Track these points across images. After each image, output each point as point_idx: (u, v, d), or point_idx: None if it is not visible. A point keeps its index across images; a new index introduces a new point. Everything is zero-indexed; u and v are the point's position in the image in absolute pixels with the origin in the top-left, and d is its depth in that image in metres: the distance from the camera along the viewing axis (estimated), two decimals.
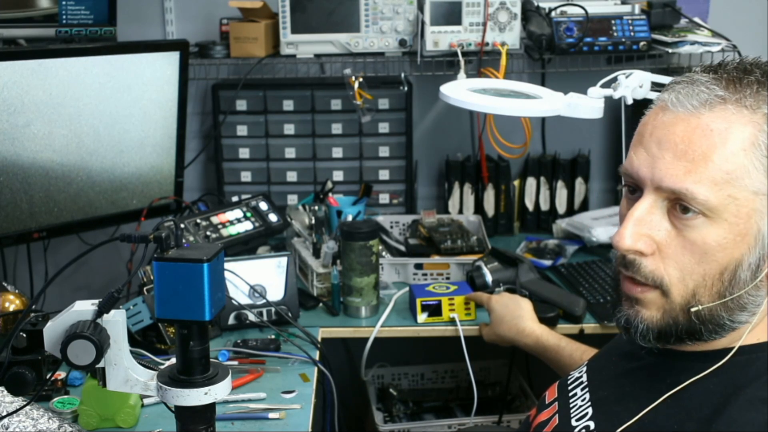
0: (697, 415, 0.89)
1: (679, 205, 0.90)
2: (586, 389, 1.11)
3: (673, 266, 0.92)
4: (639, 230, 0.93)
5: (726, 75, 0.91)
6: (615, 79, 1.69)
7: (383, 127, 2.40)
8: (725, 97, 0.89)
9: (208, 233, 2.07)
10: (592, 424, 1.02)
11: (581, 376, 1.15)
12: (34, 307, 1.61)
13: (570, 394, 1.13)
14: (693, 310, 0.92)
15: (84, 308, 1.07)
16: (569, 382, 1.17)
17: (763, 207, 0.87)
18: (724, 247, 0.89)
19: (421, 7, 2.18)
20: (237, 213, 2.16)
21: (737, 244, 0.89)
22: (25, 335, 1.33)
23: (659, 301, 0.94)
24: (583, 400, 1.09)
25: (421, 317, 1.89)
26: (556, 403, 1.15)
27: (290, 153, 2.42)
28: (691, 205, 0.89)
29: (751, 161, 0.87)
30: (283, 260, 1.86)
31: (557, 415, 1.12)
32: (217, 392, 1.05)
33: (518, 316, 1.74)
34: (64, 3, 2.11)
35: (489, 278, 1.95)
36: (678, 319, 0.93)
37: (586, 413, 1.05)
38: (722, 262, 0.90)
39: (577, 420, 1.06)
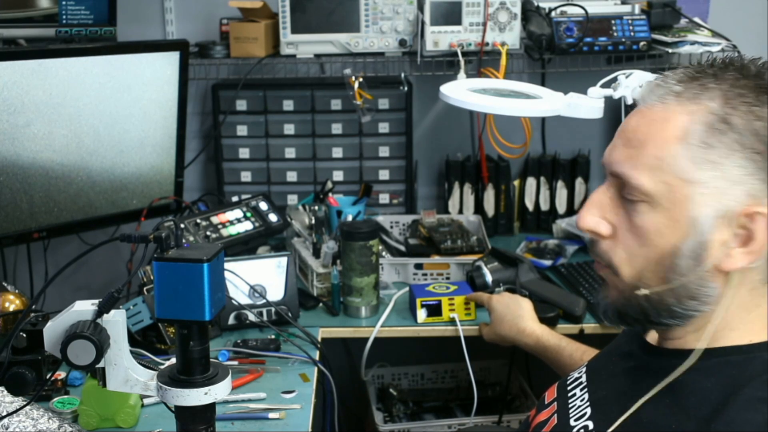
0: (696, 414, 0.89)
1: (625, 190, 0.95)
2: (585, 389, 1.11)
3: (622, 248, 0.97)
4: (596, 212, 0.99)
5: (693, 70, 0.96)
6: (615, 79, 1.69)
7: (383, 127, 2.40)
8: (678, 91, 0.94)
9: (208, 233, 2.07)
10: (590, 424, 1.02)
11: (580, 377, 1.15)
12: (34, 307, 1.61)
13: (569, 395, 1.13)
14: (640, 293, 0.96)
15: (84, 308, 1.07)
16: (568, 382, 1.17)
17: (696, 195, 0.90)
18: (662, 233, 0.93)
19: (421, 7, 2.18)
20: (237, 213, 2.16)
21: (673, 230, 0.92)
22: (25, 335, 1.33)
23: (614, 280, 1.00)
24: (582, 400, 1.09)
25: (421, 317, 1.89)
26: (555, 403, 1.15)
27: (290, 153, 2.42)
28: (631, 190, 0.94)
29: (683, 150, 0.91)
30: (283, 260, 1.86)
31: (556, 415, 1.12)
32: (217, 392, 1.05)
33: (519, 315, 1.75)
34: (64, 3, 2.11)
35: (489, 278, 1.95)
36: (631, 301, 0.97)
37: (585, 413, 1.05)
38: (661, 247, 0.93)
39: (575, 420, 1.06)
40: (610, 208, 0.98)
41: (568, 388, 1.15)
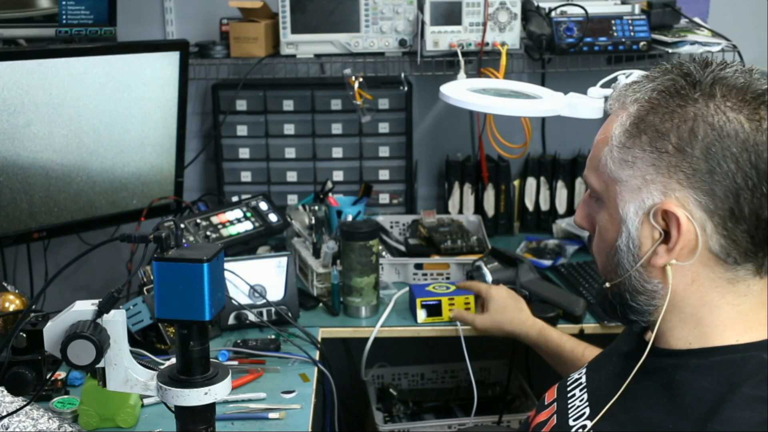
0: (693, 414, 0.89)
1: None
2: (585, 390, 1.11)
3: (595, 244, 1.05)
4: (584, 209, 1.07)
5: (641, 76, 1.00)
6: (615, 79, 1.69)
7: (383, 127, 2.40)
8: (617, 98, 1.01)
9: (208, 233, 2.07)
10: (588, 424, 1.02)
11: (580, 378, 1.15)
12: (34, 307, 1.61)
13: (569, 395, 1.13)
14: (605, 285, 1.03)
15: (84, 308, 1.07)
16: (569, 383, 1.17)
17: (621, 193, 0.97)
18: (607, 229, 1.00)
19: (421, 7, 2.18)
20: (237, 213, 2.16)
21: (612, 226, 0.99)
22: (25, 335, 1.33)
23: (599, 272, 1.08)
24: (581, 401, 1.09)
25: (421, 317, 1.89)
26: (555, 404, 1.15)
27: (290, 153, 2.42)
28: (589, 189, 1.03)
29: (608, 150, 0.98)
30: (283, 260, 1.86)
31: (555, 415, 1.12)
32: (217, 392, 1.05)
33: (521, 308, 1.79)
34: (64, 3, 2.11)
35: (489, 278, 1.95)
36: (605, 294, 1.04)
37: (584, 413, 1.05)
38: (608, 242, 1.00)
39: (574, 420, 1.06)
40: (594, 207, 1.05)
41: (568, 388, 1.15)
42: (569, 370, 1.36)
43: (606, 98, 1.70)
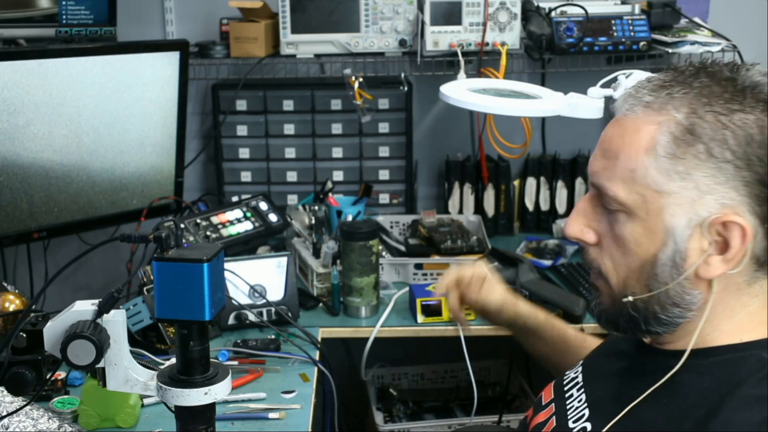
0: (693, 414, 0.89)
1: (604, 200, 0.96)
2: (582, 390, 1.11)
3: (608, 257, 0.98)
4: (582, 220, 1.00)
5: (663, 77, 0.95)
6: (615, 79, 1.69)
7: (383, 127, 2.40)
8: (648, 101, 0.94)
9: (208, 233, 2.07)
10: (589, 426, 1.02)
11: (576, 377, 1.15)
12: (34, 307, 1.61)
13: (566, 395, 1.13)
14: (625, 300, 0.97)
15: (84, 308, 1.07)
16: (565, 382, 1.17)
17: (669, 205, 0.91)
18: (640, 243, 0.94)
19: (421, 7, 2.18)
20: (237, 213, 2.16)
21: (651, 240, 0.93)
22: (25, 335, 1.33)
23: (606, 288, 1.00)
24: (579, 401, 1.09)
25: (421, 317, 1.89)
26: (553, 404, 1.15)
27: (290, 153, 2.42)
28: (608, 200, 0.95)
29: (652, 161, 0.91)
30: (283, 260, 1.86)
31: (554, 417, 1.12)
32: (217, 392, 1.05)
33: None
34: (64, 3, 2.11)
35: None
36: (620, 308, 0.98)
37: (583, 414, 1.05)
38: (641, 256, 0.94)
39: (574, 422, 1.05)
40: (593, 216, 0.99)
41: (565, 388, 1.15)
42: (569, 360, 1.32)
43: (611, 99, 1.69)
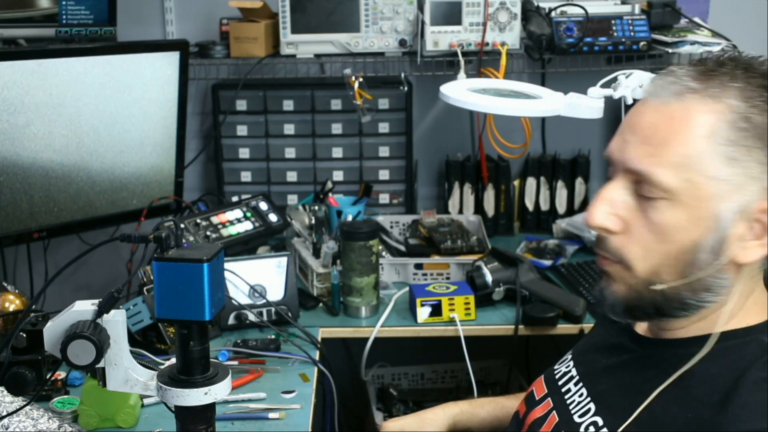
0: (709, 401, 0.90)
1: (643, 187, 0.95)
2: (581, 384, 1.10)
3: (637, 244, 0.97)
4: (607, 209, 0.98)
5: (702, 68, 0.96)
6: (615, 79, 1.69)
7: (383, 127, 2.40)
8: (695, 88, 0.94)
9: (208, 233, 2.07)
10: (599, 420, 1.02)
11: (570, 371, 1.15)
12: (34, 307, 1.61)
13: (563, 390, 1.13)
14: (656, 287, 0.96)
15: (84, 308, 1.07)
16: (557, 377, 1.17)
17: (720, 192, 0.92)
18: (683, 229, 0.93)
19: (421, 7, 2.18)
20: (237, 213, 2.16)
21: (695, 226, 0.93)
22: (25, 335, 1.33)
23: (624, 275, 0.99)
24: (580, 396, 1.08)
25: (421, 317, 1.89)
26: (549, 399, 1.15)
27: (290, 153, 2.42)
28: (653, 187, 0.94)
29: (709, 148, 0.91)
30: (283, 260, 1.86)
31: (554, 411, 1.12)
32: (217, 392, 1.05)
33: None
34: (64, 3, 2.11)
35: (489, 278, 1.95)
36: (643, 294, 0.98)
37: (589, 408, 1.05)
38: (681, 243, 0.94)
39: (580, 416, 1.05)
40: (622, 204, 0.98)
41: (560, 383, 1.15)
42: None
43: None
